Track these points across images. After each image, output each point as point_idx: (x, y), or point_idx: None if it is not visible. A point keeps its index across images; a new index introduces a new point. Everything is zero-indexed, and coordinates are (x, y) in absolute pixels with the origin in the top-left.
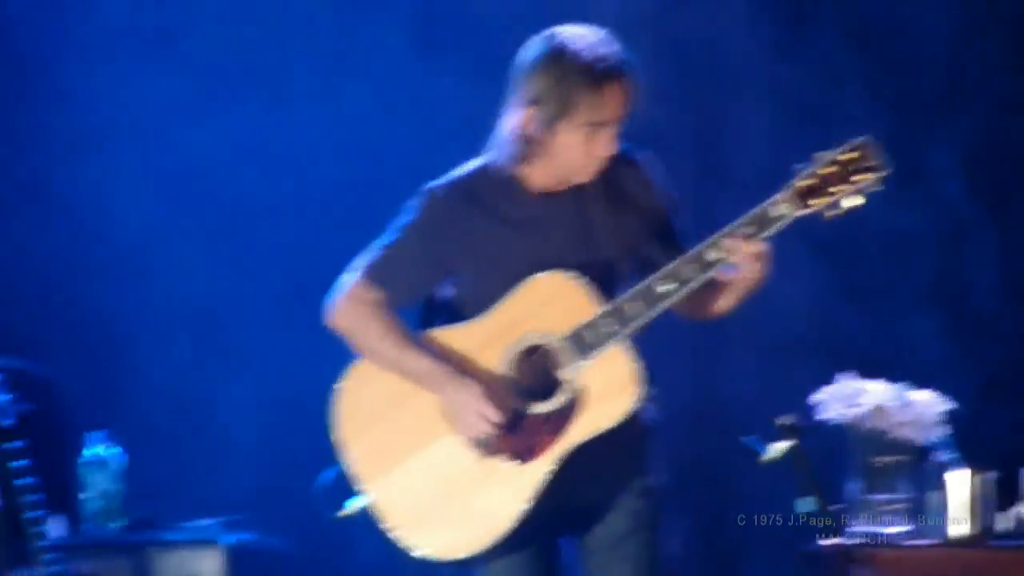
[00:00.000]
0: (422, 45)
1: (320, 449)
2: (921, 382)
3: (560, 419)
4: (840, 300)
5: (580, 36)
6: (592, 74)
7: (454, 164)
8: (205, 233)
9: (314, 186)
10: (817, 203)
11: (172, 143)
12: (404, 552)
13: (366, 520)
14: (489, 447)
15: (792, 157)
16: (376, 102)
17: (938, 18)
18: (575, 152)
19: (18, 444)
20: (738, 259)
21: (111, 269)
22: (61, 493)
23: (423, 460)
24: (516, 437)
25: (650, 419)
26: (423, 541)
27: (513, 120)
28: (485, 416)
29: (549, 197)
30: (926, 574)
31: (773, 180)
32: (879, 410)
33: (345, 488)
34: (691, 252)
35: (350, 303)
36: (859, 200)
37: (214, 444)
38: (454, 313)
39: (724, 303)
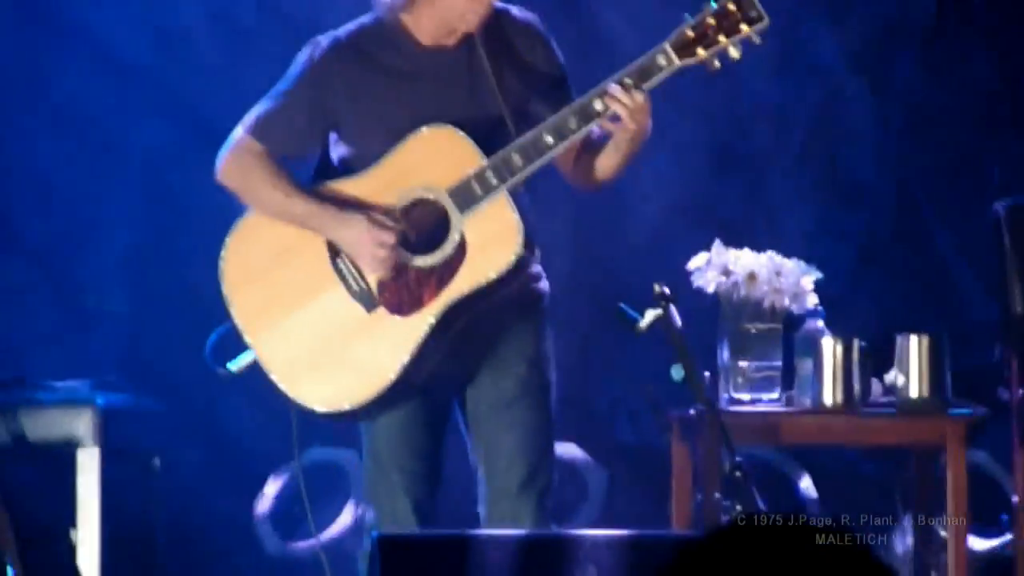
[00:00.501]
0: None
1: (191, 308)
2: (794, 251)
3: (445, 271)
4: (715, 169)
5: None
6: None
7: None
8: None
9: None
10: (702, 53)
11: None
12: (294, 406)
13: (255, 374)
14: (372, 300)
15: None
16: None
17: None
18: None
19: None
20: (622, 110)
21: None
22: None
23: (308, 313)
24: (401, 290)
25: (541, 287)
26: (307, 393)
27: None
28: (380, 240)
29: (437, 51)
30: (797, 441)
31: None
32: (752, 278)
33: (234, 344)
34: (576, 103)
35: (236, 155)
36: (737, 53)
37: (83, 303)
38: (343, 170)
39: (609, 163)
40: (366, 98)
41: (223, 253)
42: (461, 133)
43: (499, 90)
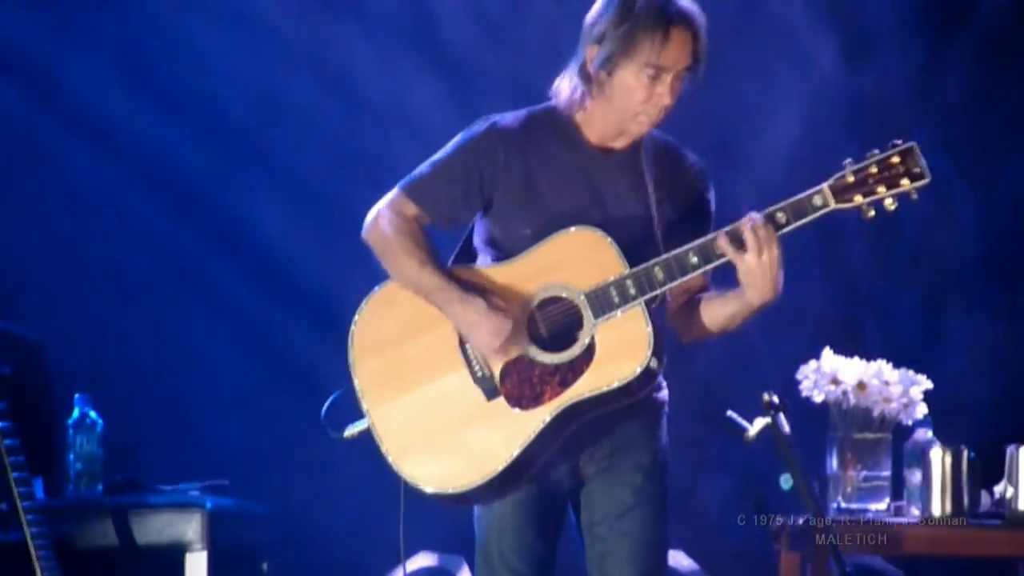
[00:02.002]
0: None
1: (299, 413)
2: (903, 359)
3: (569, 372)
4: (823, 275)
5: None
6: (661, 16)
7: None
8: (179, 201)
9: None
10: (859, 200)
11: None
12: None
13: (368, 443)
14: (494, 388)
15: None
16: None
17: None
18: (632, 96)
19: (1, 406)
20: (759, 249)
21: (92, 238)
22: (40, 456)
23: (428, 391)
24: (523, 383)
25: (661, 396)
26: (415, 470)
27: (578, 61)
28: (496, 327)
29: (603, 151)
30: (905, 552)
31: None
32: (861, 387)
33: (349, 408)
34: (724, 230)
35: (384, 215)
36: (894, 206)
37: (193, 408)
38: (486, 249)
39: (724, 310)
40: (524, 182)
41: (356, 318)
42: (608, 239)
43: (653, 202)
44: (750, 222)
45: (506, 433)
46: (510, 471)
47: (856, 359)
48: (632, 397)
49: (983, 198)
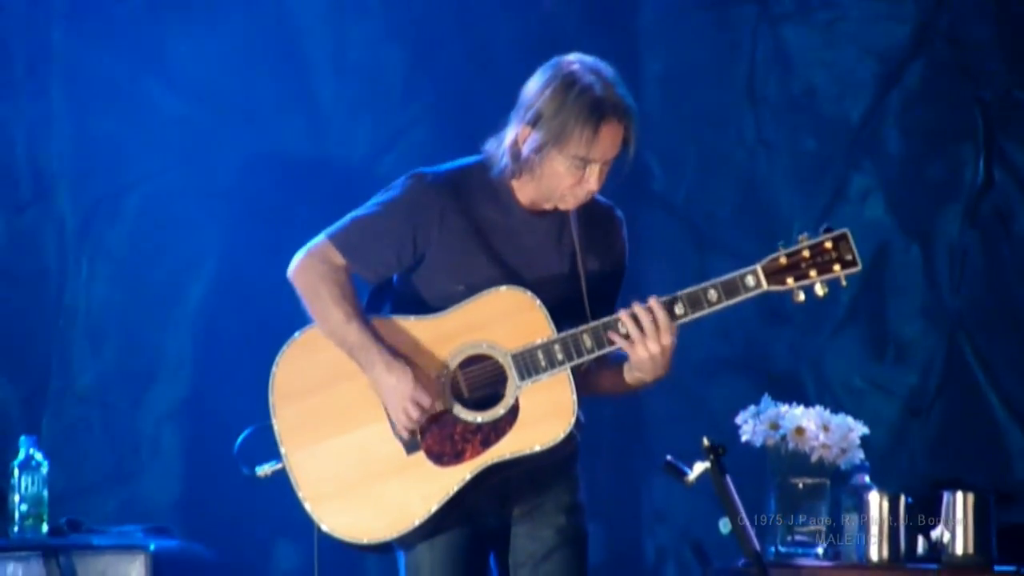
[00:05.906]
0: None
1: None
2: (841, 405)
3: (491, 432)
4: (764, 322)
5: (593, 70)
6: (593, 111)
7: None
8: (126, 238)
9: (233, 192)
10: (790, 283)
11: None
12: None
13: (281, 483)
14: (414, 443)
15: None
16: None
17: None
18: (560, 180)
19: None
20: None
21: (37, 276)
22: None
23: (348, 440)
24: (444, 440)
25: (577, 438)
26: (329, 517)
27: (511, 134)
28: (416, 401)
29: (533, 213)
30: None
31: None
32: (799, 432)
33: (264, 444)
34: (657, 300)
35: (312, 260)
36: (823, 291)
37: (138, 450)
38: (408, 301)
39: (622, 380)
40: (455, 239)
41: (277, 360)
42: (537, 301)
43: (577, 265)
44: (646, 311)
45: (424, 490)
46: (428, 524)
47: (795, 404)
48: (553, 456)
49: (922, 248)
